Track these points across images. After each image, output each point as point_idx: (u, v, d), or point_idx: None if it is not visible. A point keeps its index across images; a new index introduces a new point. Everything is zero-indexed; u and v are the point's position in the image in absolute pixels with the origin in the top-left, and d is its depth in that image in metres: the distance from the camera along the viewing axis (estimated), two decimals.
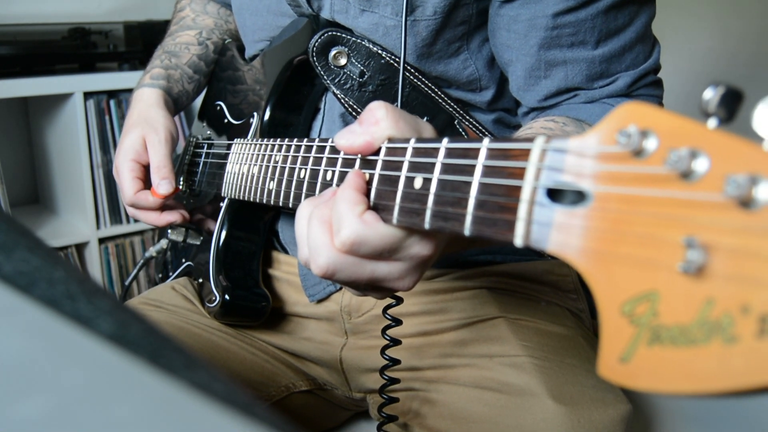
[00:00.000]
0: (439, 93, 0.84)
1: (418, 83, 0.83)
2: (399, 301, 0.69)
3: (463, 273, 0.89)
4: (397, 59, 0.82)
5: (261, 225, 0.96)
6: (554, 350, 0.80)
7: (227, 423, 0.25)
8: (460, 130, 0.86)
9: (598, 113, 0.76)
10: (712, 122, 0.31)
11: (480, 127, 0.87)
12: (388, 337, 0.72)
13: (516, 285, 0.88)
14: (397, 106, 0.79)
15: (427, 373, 0.83)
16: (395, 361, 0.74)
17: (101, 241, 1.99)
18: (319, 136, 0.90)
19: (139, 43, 1.98)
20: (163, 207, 0.97)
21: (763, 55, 1.68)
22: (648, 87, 0.80)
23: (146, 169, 0.97)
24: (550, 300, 0.88)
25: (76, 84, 1.84)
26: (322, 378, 0.97)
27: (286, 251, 0.98)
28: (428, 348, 0.85)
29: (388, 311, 0.72)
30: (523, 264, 0.90)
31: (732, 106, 0.31)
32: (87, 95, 1.88)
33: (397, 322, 0.72)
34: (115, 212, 1.99)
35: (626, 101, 0.78)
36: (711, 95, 0.31)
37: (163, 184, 0.93)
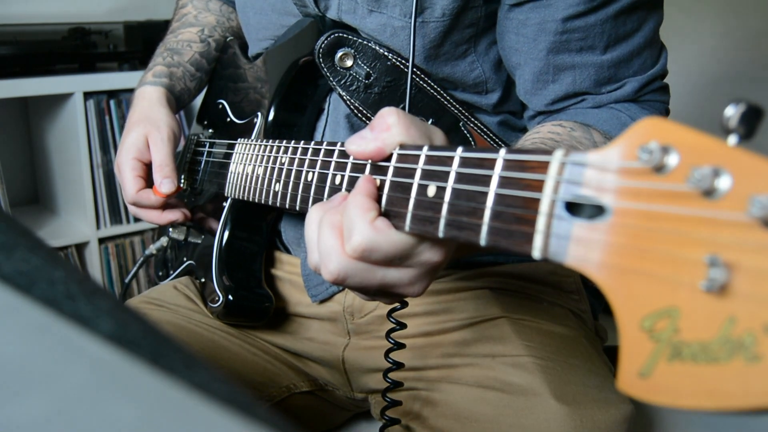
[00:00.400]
0: (445, 95, 0.84)
1: (424, 85, 0.83)
2: (404, 304, 0.70)
3: (466, 273, 0.89)
4: (403, 61, 0.81)
5: (264, 225, 0.96)
6: (557, 350, 0.80)
7: (228, 423, 0.25)
8: (465, 132, 0.86)
9: (605, 118, 0.76)
10: (732, 139, 0.31)
11: (485, 130, 0.87)
12: (392, 341, 0.72)
13: (519, 285, 0.88)
14: (404, 108, 0.79)
15: (429, 373, 0.83)
16: (399, 365, 0.74)
17: (101, 241, 1.99)
18: (323, 137, 0.90)
19: (139, 43, 1.98)
20: (164, 205, 0.97)
21: (764, 56, 1.68)
22: (655, 92, 0.80)
23: (148, 167, 0.97)
24: (552, 301, 0.88)
25: (76, 84, 1.83)
26: (324, 378, 0.97)
27: (288, 251, 0.98)
28: (431, 348, 0.85)
29: (393, 314, 0.72)
30: (525, 265, 0.90)
31: (752, 124, 0.31)
32: (87, 95, 1.87)
33: (401, 326, 0.72)
34: (115, 212, 1.99)
35: (637, 107, 0.78)
36: (732, 112, 0.31)
37: (165, 182, 0.93)
